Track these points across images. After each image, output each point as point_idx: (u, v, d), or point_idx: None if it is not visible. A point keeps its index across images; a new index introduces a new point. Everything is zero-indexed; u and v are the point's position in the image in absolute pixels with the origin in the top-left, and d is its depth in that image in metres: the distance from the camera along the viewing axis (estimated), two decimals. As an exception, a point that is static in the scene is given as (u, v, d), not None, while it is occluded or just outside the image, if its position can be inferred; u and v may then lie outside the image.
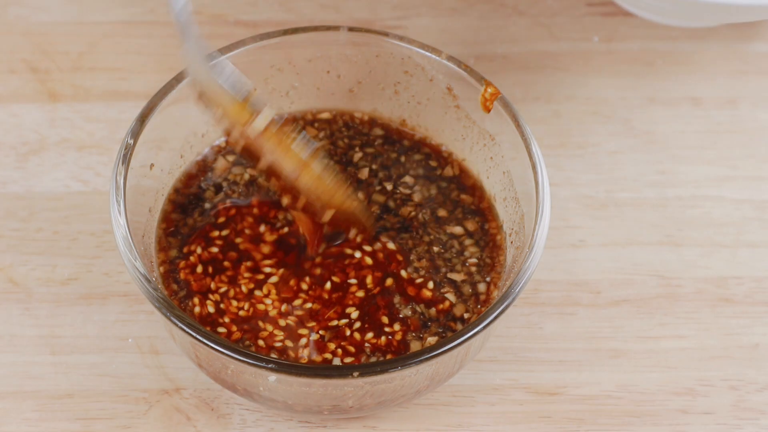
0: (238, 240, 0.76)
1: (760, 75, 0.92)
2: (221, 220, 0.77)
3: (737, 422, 0.76)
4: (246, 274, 0.75)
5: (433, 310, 0.74)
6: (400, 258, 0.76)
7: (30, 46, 0.92)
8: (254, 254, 0.76)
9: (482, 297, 0.75)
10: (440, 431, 0.76)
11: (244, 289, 0.74)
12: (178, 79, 0.76)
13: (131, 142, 0.74)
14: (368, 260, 0.75)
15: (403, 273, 0.75)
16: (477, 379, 0.77)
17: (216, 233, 0.77)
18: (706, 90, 0.91)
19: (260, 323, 0.73)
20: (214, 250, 0.76)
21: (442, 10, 0.95)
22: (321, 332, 0.73)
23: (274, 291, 0.74)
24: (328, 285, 0.74)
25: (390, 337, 0.73)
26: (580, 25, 0.94)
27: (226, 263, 0.76)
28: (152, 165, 0.77)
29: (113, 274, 0.81)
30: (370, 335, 0.73)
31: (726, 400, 0.77)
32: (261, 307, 0.74)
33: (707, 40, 0.94)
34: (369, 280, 0.75)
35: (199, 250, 0.76)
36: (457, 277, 0.76)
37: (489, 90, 0.77)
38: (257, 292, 0.74)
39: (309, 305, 0.74)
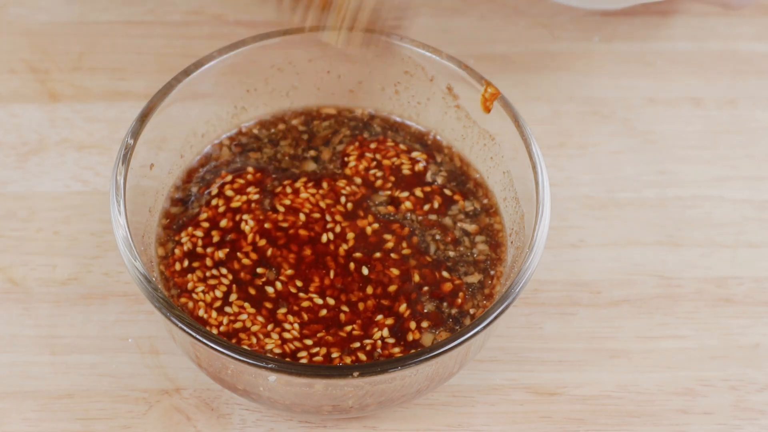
0: (223, 222, 0.77)
1: (760, 75, 0.92)
2: (214, 191, 0.78)
3: (737, 422, 0.76)
4: (224, 272, 0.75)
5: (454, 309, 0.74)
6: (416, 252, 0.76)
7: (30, 46, 0.92)
8: (241, 242, 0.76)
9: (486, 292, 0.75)
10: (440, 431, 0.76)
11: (218, 293, 0.74)
12: (178, 79, 0.76)
13: (131, 142, 0.74)
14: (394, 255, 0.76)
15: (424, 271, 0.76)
16: (477, 379, 0.77)
17: (204, 215, 0.77)
18: (706, 90, 0.91)
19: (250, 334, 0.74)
20: (199, 234, 0.76)
21: (442, 10, 0.95)
22: (337, 354, 0.73)
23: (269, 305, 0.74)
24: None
25: (411, 346, 0.73)
26: (580, 25, 0.94)
27: (199, 249, 0.75)
28: (152, 165, 0.76)
29: (113, 274, 0.81)
30: (396, 350, 0.73)
31: (726, 400, 0.77)
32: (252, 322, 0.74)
33: (707, 40, 0.94)
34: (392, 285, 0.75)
35: (185, 239, 0.76)
36: (472, 278, 0.76)
37: (489, 90, 0.77)
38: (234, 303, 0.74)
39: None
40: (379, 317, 0.73)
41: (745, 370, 0.78)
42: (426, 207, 0.78)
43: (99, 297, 0.80)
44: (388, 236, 0.76)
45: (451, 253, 0.76)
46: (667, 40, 0.94)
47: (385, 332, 0.73)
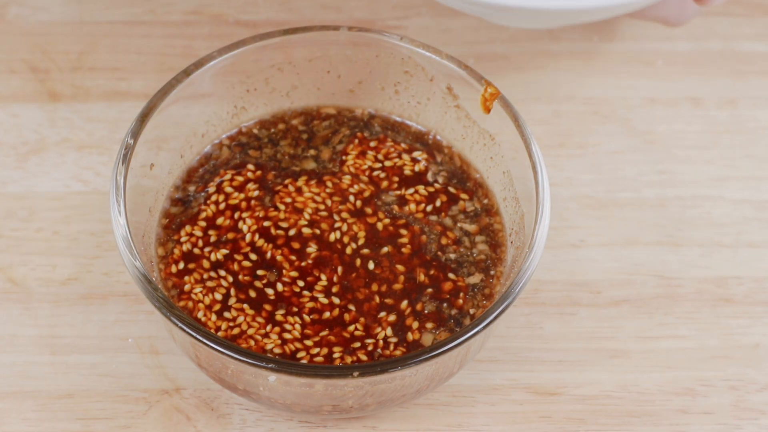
0: (220, 220, 0.77)
1: (760, 75, 0.92)
2: (213, 189, 0.78)
3: (737, 422, 0.76)
4: (223, 276, 0.75)
5: (454, 309, 0.74)
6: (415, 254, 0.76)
7: (30, 46, 0.92)
8: (240, 243, 0.76)
9: (486, 292, 0.75)
10: (440, 431, 0.76)
11: (217, 296, 0.74)
12: (178, 79, 0.76)
13: (131, 142, 0.74)
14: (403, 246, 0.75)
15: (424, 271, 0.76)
16: (477, 379, 0.77)
17: (204, 214, 0.77)
18: (706, 90, 0.91)
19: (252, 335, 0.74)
20: (198, 233, 0.76)
21: (442, 10, 0.95)
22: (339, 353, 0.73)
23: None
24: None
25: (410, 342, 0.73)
26: (580, 25, 0.94)
27: (196, 251, 0.75)
28: (152, 165, 0.76)
29: (113, 274, 0.81)
30: (397, 351, 0.73)
31: (726, 400, 0.77)
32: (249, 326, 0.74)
33: (707, 40, 0.94)
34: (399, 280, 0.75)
35: (184, 238, 0.76)
36: (473, 278, 0.76)
37: (489, 90, 0.77)
38: (233, 307, 0.74)
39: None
40: (382, 314, 0.73)
41: (745, 370, 0.78)
42: (429, 207, 0.78)
43: (99, 297, 0.80)
44: (396, 235, 0.76)
45: (452, 254, 0.76)
46: (667, 40, 0.94)
47: (389, 331, 0.73)
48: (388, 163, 0.80)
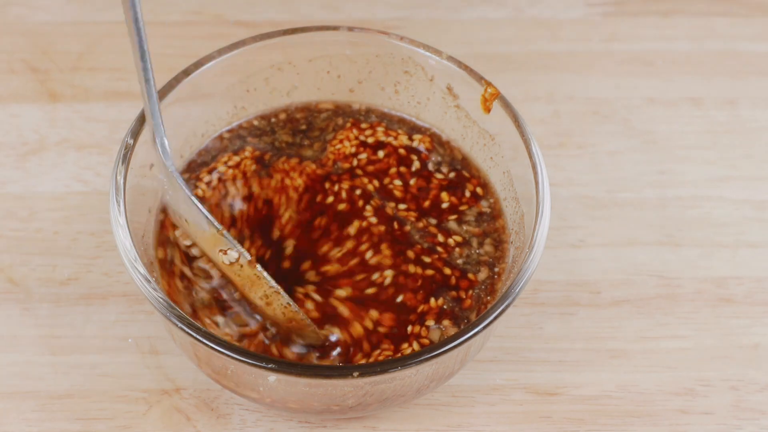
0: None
1: (760, 75, 0.92)
2: (204, 174, 0.78)
3: (737, 422, 0.76)
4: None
5: (458, 308, 0.74)
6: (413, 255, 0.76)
7: (30, 46, 0.92)
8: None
9: (489, 290, 0.75)
10: (440, 431, 0.76)
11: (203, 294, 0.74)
12: (178, 79, 0.76)
13: (131, 142, 0.74)
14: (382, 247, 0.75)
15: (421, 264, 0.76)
16: (477, 379, 0.77)
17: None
18: (706, 90, 0.91)
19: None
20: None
21: (442, 11, 0.95)
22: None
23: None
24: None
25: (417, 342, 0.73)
26: (580, 25, 0.94)
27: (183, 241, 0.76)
28: (152, 165, 0.76)
29: (113, 274, 0.81)
30: (405, 346, 0.73)
31: (726, 400, 0.77)
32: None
33: (707, 40, 0.94)
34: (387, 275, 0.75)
35: (174, 233, 0.76)
36: (478, 276, 0.75)
37: (489, 90, 0.77)
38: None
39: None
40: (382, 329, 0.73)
41: (745, 370, 0.78)
42: (427, 203, 0.78)
43: (99, 297, 0.80)
44: (396, 235, 0.76)
45: (455, 251, 0.76)
46: (667, 40, 0.94)
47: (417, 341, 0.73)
48: (386, 142, 0.79)
